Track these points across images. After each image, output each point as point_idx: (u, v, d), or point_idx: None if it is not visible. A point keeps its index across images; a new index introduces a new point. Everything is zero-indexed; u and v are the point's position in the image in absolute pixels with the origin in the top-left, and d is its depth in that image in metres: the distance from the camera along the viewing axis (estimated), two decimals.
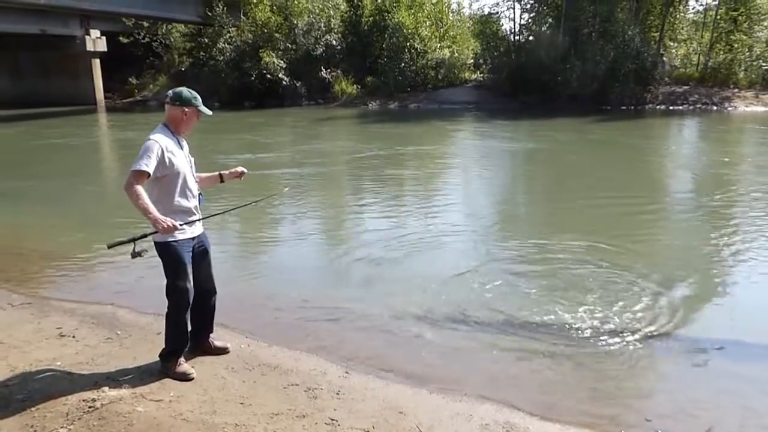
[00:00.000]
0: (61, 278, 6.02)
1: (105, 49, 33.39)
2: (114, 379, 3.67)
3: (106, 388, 3.55)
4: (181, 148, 3.69)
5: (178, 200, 3.61)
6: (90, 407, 3.34)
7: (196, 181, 3.82)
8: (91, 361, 3.95)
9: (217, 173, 4.05)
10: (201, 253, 3.82)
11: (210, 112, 3.77)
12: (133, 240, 3.43)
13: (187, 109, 3.65)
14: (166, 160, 3.50)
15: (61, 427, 3.17)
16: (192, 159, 3.79)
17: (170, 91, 3.69)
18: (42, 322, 4.67)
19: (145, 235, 3.46)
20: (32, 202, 9.76)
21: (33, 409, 3.34)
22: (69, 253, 6.75)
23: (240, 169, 4.08)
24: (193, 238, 3.73)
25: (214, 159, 13.18)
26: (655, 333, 4.55)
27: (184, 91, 3.67)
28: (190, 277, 3.68)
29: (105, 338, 4.34)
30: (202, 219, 3.84)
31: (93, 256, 6.65)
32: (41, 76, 34.08)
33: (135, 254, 3.39)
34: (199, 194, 3.81)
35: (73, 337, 4.36)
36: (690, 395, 3.72)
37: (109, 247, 3.45)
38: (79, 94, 32.57)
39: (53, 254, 6.74)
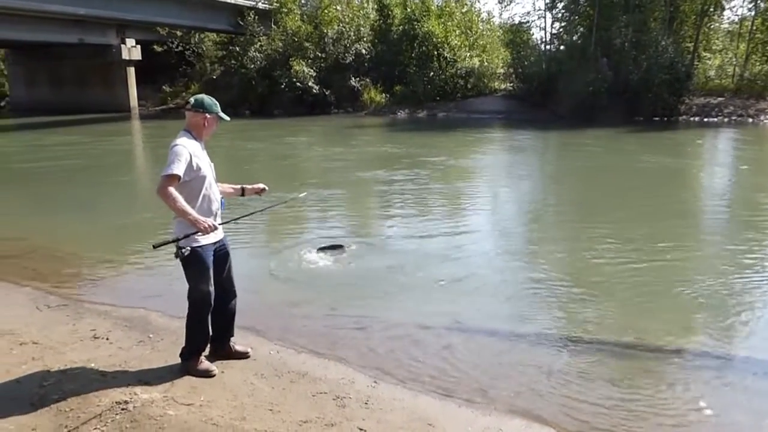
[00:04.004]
0: (96, 281, 6.14)
1: (140, 58, 34.27)
2: (146, 382, 3.72)
3: (138, 391, 3.60)
4: (204, 153, 3.78)
5: (203, 203, 3.68)
6: (122, 409, 3.39)
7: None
8: (123, 363, 4.01)
9: (239, 186, 4.13)
10: (222, 256, 3.88)
11: (228, 119, 3.88)
12: (176, 240, 3.53)
13: (208, 116, 3.74)
14: (194, 164, 3.58)
15: (95, 429, 3.22)
16: (213, 164, 3.86)
17: (191, 98, 3.80)
18: (77, 323, 4.76)
19: (187, 236, 3.54)
20: (68, 206, 10.02)
21: (67, 409, 3.40)
22: (103, 256, 6.89)
23: (261, 185, 4.16)
24: (215, 243, 3.79)
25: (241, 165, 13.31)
26: (694, 351, 4.43)
27: (205, 98, 3.78)
28: (212, 280, 3.75)
29: (137, 341, 4.40)
30: (234, 220, 3.98)
31: (126, 260, 6.79)
32: (79, 84, 35.11)
33: (179, 254, 3.54)
34: (221, 199, 3.89)
35: (107, 339, 4.44)
36: (728, 417, 3.60)
37: (155, 247, 3.54)
38: (114, 101, 33.44)
39: (88, 257, 6.88)
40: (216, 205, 3.79)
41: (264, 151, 17.76)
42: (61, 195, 11.16)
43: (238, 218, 4.33)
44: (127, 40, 33.35)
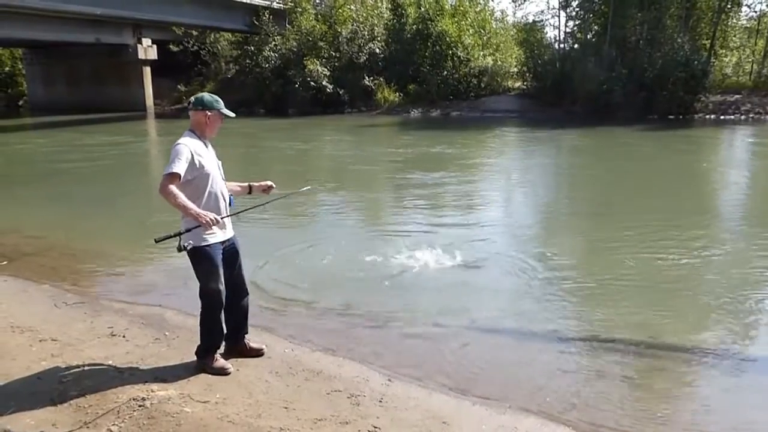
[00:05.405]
0: (112, 279, 6.22)
1: (155, 57, 34.54)
2: (162, 379, 3.76)
3: (155, 388, 3.64)
4: (209, 151, 3.78)
5: (209, 201, 3.69)
6: (140, 406, 3.43)
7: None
8: (140, 360, 4.05)
9: (246, 184, 4.13)
10: (232, 255, 3.90)
11: (233, 115, 3.86)
12: (179, 234, 3.54)
13: (209, 113, 3.73)
14: (196, 162, 3.59)
15: (113, 425, 3.26)
16: (220, 162, 3.87)
17: (192, 97, 3.81)
18: (94, 321, 4.82)
19: (189, 230, 3.55)
20: (84, 205, 10.14)
21: (86, 405, 3.44)
22: (119, 254, 6.97)
23: (269, 182, 4.16)
24: (224, 242, 3.81)
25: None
26: (711, 350, 4.38)
27: (206, 95, 3.78)
28: (222, 278, 3.77)
29: (154, 338, 4.45)
30: (239, 213, 3.94)
31: (142, 257, 6.86)
32: (95, 83, 35.50)
33: (181, 248, 3.53)
34: (230, 197, 3.90)
35: (124, 336, 4.48)
36: (746, 416, 3.57)
37: (157, 241, 3.55)
38: (130, 100, 33.78)
39: (104, 255, 6.96)
40: (223, 203, 3.80)
41: (303, 151, 17.86)
42: (80, 194, 11.29)
43: (240, 212, 4.25)
44: (143, 39, 33.66)
